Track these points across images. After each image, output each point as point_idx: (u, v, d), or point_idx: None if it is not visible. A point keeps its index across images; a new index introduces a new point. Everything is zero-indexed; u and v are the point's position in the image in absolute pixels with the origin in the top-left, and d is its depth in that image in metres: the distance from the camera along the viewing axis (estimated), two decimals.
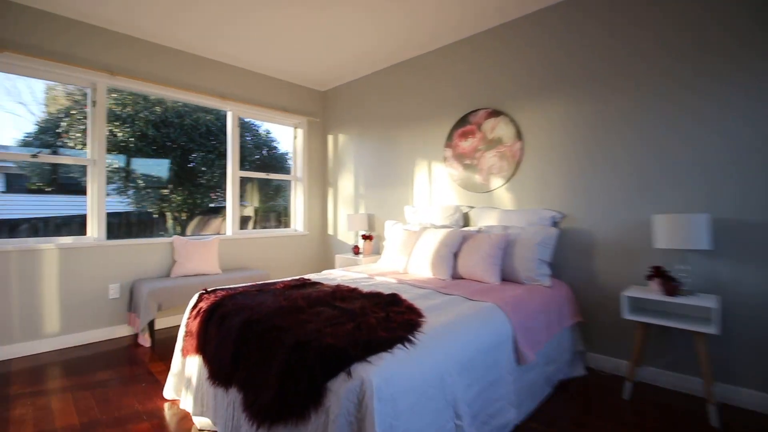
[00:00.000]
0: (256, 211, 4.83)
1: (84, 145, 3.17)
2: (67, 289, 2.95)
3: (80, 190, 3.15)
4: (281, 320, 1.51)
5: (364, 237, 3.98)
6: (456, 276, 2.52)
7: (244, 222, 4.42)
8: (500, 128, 2.99)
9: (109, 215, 3.23)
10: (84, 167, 3.16)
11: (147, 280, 3.22)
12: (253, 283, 2.29)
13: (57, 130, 3.14)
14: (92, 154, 3.16)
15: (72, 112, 3.19)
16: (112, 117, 3.32)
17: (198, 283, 3.23)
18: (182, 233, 3.84)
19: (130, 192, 3.53)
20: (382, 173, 4.03)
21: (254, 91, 4.10)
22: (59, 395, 2.15)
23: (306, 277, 2.58)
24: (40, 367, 2.56)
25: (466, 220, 3.23)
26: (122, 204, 3.50)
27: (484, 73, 3.13)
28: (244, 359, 1.47)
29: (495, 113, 3.02)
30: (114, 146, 3.35)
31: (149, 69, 3.38)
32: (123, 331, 3.20)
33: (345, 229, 4.46)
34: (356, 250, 4.02)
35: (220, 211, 4.10)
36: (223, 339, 1.61)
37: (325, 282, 2.33)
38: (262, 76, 4.17)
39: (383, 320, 1.50)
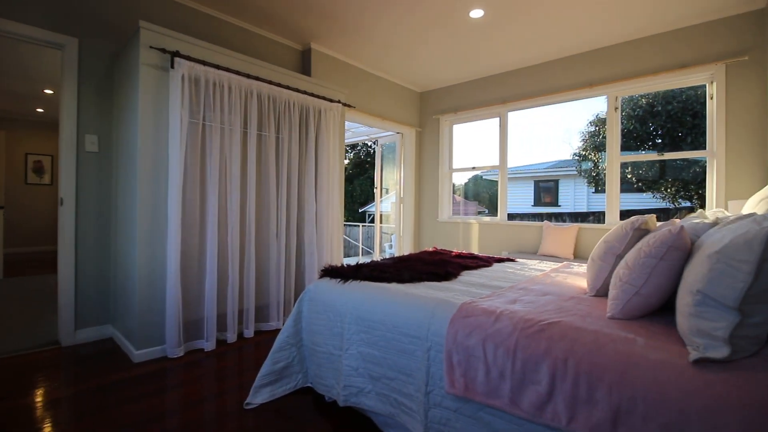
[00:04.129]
0: None
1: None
2: (482, 247, 4.69)
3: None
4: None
5: None
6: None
7: None
8: None
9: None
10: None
11: (521, 253, 4.24)
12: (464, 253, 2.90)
13: None
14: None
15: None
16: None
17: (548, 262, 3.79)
18: None
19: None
20: None
21: (634, 62, 3.62)
22: None
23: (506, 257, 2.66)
24: None
25: None
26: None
27: None
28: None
29: None
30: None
31: (527, 89, 4.31)
32: None
33: None
34: None
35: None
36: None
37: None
38: (638, 41, 3.57)
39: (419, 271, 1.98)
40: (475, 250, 4.76)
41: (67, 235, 2.63)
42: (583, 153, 8.09)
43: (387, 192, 6.21)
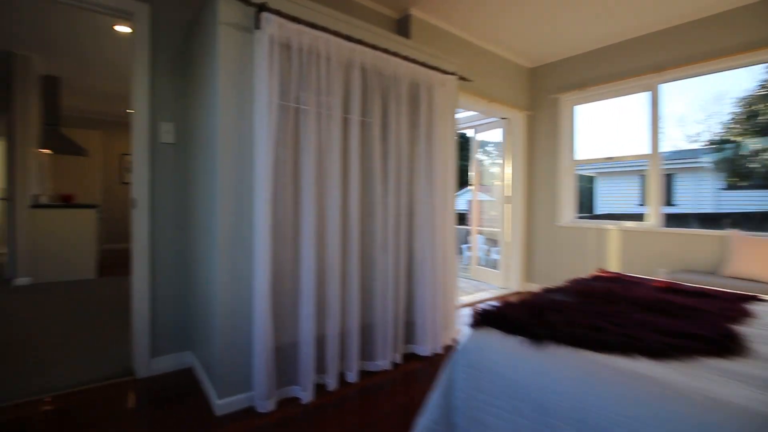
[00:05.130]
0: None
1: None
2: (625, 262, 3.63)
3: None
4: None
5: None
6: None
7: None
8: None
9: None
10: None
11: (691, 272, 3.14)
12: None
13: None
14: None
15: None
16: None
17: (743, 288, 2.68)
18: None
19: None
20: None
21: None
22: None
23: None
24: None
25: None
26: None
27: None
28: None
29: None
30: None
31: (693, 51, 3.17)
32: None
33: None
34: None
35: None
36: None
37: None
38: None
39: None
40: (613, 267, 3.72)
41: (142, 245, 2.18)
42: (735, 138, 6.43)
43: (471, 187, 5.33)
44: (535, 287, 4.32)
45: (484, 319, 1.34)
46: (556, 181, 4.19)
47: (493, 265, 5.05)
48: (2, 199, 5.07)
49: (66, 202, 5.33)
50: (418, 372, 2.26)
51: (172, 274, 2.29)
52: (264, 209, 1.81)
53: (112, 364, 2.30)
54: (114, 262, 5.90)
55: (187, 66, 2.29)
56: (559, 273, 4.12)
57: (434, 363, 2.38)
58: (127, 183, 7.67)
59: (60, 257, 4.57)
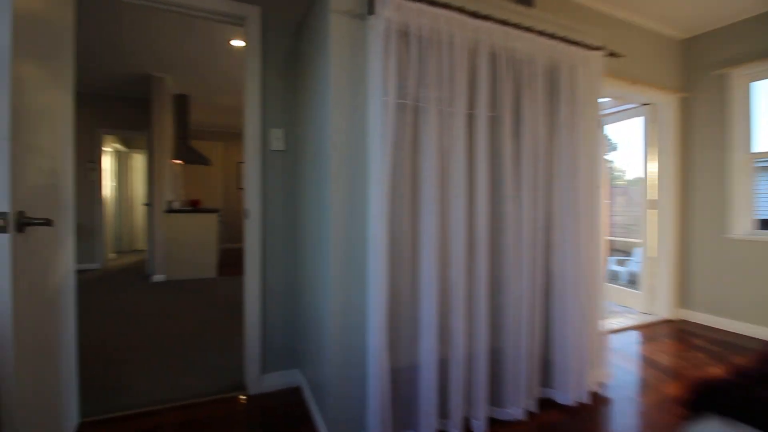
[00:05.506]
0: None
1: None
2: None
3: None
4: None
5: None
6: None
7: None
8: None
9: None
10: None
11: None
12: None
13: None
14: None
15: None
16: None
17: None
18: None
19: None
20: None
21: None
22: None
23: None
24: None
25: None
26: None
27: None
28: None
29: None
30: None
31: None
32: None
33: None
34: None
35: None
36: None
37: None
38: None
39: None
40: None
41: (255, 258, 2.11)
42: None
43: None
44: (693, 315, 3.43)
45: (713, 400, 0.87)
46: (726, 181, 3.26)
47: (616, 280, 4.22)
48: (144, 204, 5.82)
49: (194, 206, 5.93)
50: (560, 428, 1.80)
51: (281, 289, 2.19)
52: (380, 227, 1.55)
53: (227, 375, 2.29)
54: (230, 261, 6.40)
55: (297, 67, 2.17)
56: (731, 300, 3.19)
57: (580, 417, 1.88)
58: (241, 188, 8.36)
59: (188, 257, 5.05)
